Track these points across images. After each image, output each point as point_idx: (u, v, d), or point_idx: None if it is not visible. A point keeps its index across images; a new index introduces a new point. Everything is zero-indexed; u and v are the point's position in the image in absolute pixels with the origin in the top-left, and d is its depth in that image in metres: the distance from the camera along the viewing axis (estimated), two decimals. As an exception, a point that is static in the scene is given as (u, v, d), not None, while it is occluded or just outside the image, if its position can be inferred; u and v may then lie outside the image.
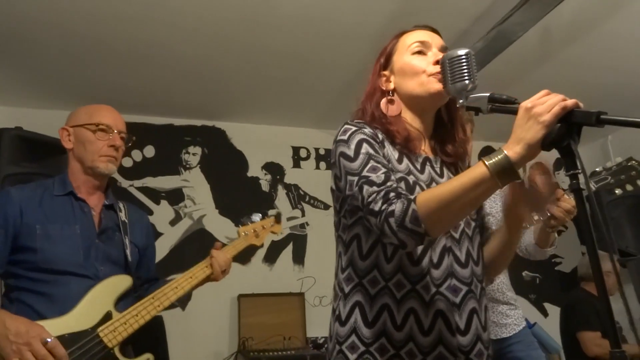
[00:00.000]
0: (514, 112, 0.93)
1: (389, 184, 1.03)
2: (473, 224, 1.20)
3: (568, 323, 3.17)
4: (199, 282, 1.71)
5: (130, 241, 1.68)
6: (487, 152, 4.33)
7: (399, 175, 1.12)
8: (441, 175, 1.22)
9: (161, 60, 2.99)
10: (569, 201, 1.68)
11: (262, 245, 2.04)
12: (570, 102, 0.88)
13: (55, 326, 1.43)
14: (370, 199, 1.02)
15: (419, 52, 1.20)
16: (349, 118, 1.22)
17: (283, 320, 3.42)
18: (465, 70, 1.01)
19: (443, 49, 1.20)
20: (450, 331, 1.08)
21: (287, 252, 3.78)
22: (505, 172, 0.91)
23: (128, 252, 1.64)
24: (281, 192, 3.91)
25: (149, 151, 3.69)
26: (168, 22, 2.64)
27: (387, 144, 1.16)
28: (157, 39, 2.78)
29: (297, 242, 3.81)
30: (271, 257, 3.73)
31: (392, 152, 1.16)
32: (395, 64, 1.24)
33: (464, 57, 1.02)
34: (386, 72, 1.25)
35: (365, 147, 1.10)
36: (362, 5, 2.55)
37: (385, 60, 1.26)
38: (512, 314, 2.02)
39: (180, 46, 2.86)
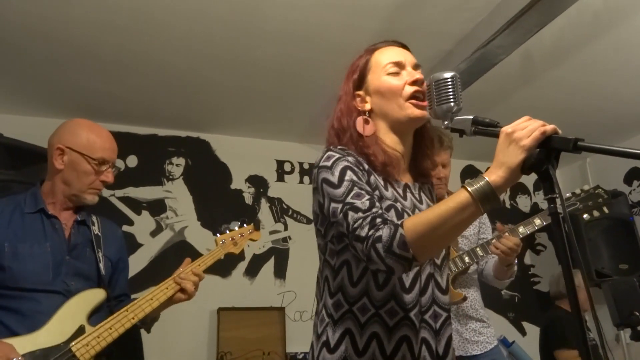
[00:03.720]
0: (496, 135, 0.96)
1: (374, 210, 1.04)
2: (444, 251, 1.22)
3: (546, 341, 3.20)
4: (171, 299, 1.68)
5: (104, 255, 1.67)
6: (468, 171, 4.41)
7: (388, 202, 1.13)
8: (420, 202, 1.24)
9: (147, 70, 2.98)
10: (510, 239, 1.79)
11: (241, 253, 2.03)
12: (549, 127, 0.91)
13: (27, 342, 1.41)
14: (356, 225, 1.02)
15: (395, 73, 1.20)
16: (325, 139, 1.22)
17: (263, 335, 3.39)
18: (451, 93, 1.03)
19: (416, 67, 1.22)
20: (432, 358, 1.11)
21: (269, 266, 3.76)
22: (487, 198, 0.93)
23: (101, 265, 1.64)
24: (264, 205, 3.90)
25: (132, 161, 3.66)
26: (155, 33, 2.64)
27: (372, 172, 1.16)
28: (144, 48, 2.77)
29: (279, 256, 3.79)
30: (252, 270, 3.70)
31: (378, 180, 1.16)
32: (371, 85, 1.23)
33: (450, 79, 1.04)
34: (361, 92, 1.24)
35: (349, 174, 1.10)
36: (348, 23, 2.59)
37: (359, 79, 1.25)
38: (485, 332, 2.04)
39: (166, 57, 2.86)
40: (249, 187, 3.90)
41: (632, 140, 4.10)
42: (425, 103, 1.13)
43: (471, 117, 1.01)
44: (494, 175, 0.93)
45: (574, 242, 0.84)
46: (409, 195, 1.21)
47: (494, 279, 2.03)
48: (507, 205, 4.45)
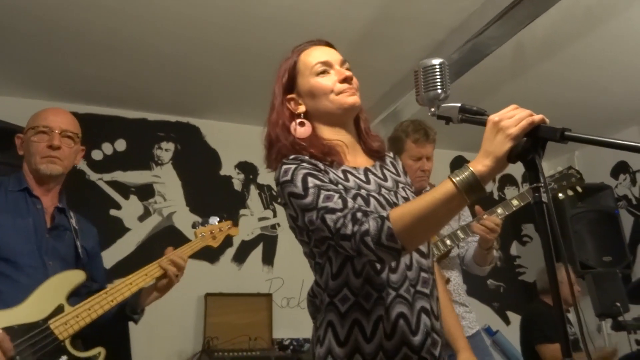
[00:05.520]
0: (483, 123, 0.96)
1: (350, 206, 1.05)
2: None
3: (527, 336, 3.22)
4: (156, 288, 1.70)
5: (81, 245, 1.70)
6: (458, 162, 4.43)
7: (353, 192, 1.13)
8: (385, 179, 1.24)
9: (138, 54, 2.94)
10: (489, 219, 1.82)
11: (225, 242, 2.05)
12: (537, 117, 0.91)
13: (5, 317, 1.41)
14: (338, 226, 1.03)
15: (323, 72, 1.23)
16: (261, 146, 1.26)
17: (249, 321, 3.40)
18: (439, 80, 1.03)
19: (342, 63, 1.26)
20: (411, 331, 1.11)
21: (257, 253, 3.76)
22: (472, 188, 0.94)
23: (80, 251, 1.67)
24: (253, 192, 3.89)
25: (120, 145, 3.62)
26: (147, 17, 2.60)
27: (329, 169, 1.17)
28: (135, 32, 2.73)
29: (267, 243, 3.80)
30: (240, 257, 3.70)
31: (337, 174, 1.17)
32: (302, 87, 1.26)
33: (437, 66, 1.04)
34: (293, 95, 1.26)
35: (311, 181, 1.10)
36: (341, 11, 2.57)
37: (289, 83, 1.27)
38: (467, 317, 2.06)
39: (158, 41, 2.82)
40: (238, 173, 3.89)
41: (620, 134, 4.14)
42: (355, 91, 1.20)
43: (458, 104, 1.01)
44: (479, 164, 0.94)
45: (557, 229, 0.84)
46: (372, 177, 1.22)
47: (474, 265, 2.05)
48: (496, 196, 4.48)
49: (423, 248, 1.19)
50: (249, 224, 3.80)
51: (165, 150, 3.74)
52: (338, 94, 1.21)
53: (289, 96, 1.26)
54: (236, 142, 3.87)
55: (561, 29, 2.78)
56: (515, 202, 1.95)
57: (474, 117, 0.99)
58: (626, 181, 4.12)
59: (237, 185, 3.87)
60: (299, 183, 1.10)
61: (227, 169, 3.87)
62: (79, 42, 2.80)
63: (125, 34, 2.74)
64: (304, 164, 1.14)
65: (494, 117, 0.94)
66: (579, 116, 3.67)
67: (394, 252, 0.99)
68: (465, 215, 2.17)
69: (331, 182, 1.13)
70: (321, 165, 1.16)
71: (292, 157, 1.17)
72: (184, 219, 3.62)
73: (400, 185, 1.26)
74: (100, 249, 1.88)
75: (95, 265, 1.80)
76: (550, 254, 0.84)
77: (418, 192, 1.88)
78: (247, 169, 3.91)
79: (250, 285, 3.58)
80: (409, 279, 1.13)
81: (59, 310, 1.51)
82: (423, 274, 1.16)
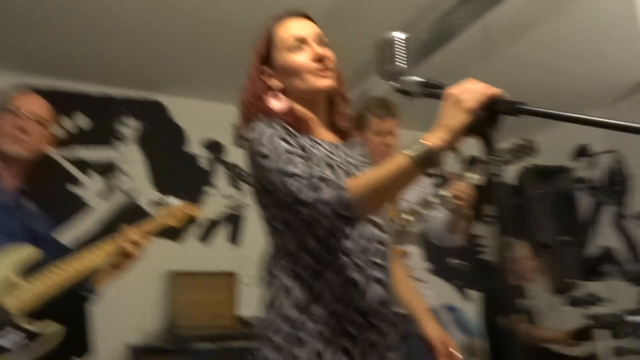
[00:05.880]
0: (441, 97, 0.96)
1: (311, 172, 1.05)
2: None
3: (487, 309, 3.33)
4: (115, 266, 1.68)
5: (36, 228, 1.67)
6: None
7: (318, 159, 1.14)
8: (350, 157, 1.26)
9: (100, 24, 2.83)
10: (460, 185, 1.84)
11: (185, 226, 2.03)
12: (494, 90, 0.92)
13: None
14: (297, 191, 1.05)
15: (297, 48, 1.22)
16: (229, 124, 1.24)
17: (214, 299, 3.39)
18: (400, 53, 1.02)
19: (318, 39, 1.24)
20: (382, 290, 1.14)
21: (224, 231, 3.74)
22: (427, 161, 0.95)
23: (35, 232, 1.64)
24: (220, 170, 3.84)
25: (81, 120, 3.50)
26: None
27: (299, 136, 1.17)
28: (97, 0, 2.62)
29: (234, 222, 3.77)
30: (206, 235, 3.67)
31: (306, 141, 1.17)
32: (277, 62, 1.24)
33: (399, 40, 1.03)
34: (268, 69, 1.25)
35: (278, 142, 1.11)
36: (310, -15, 2.52)
37: (265, 54, 1.26)
38: (427, 294, 2.07)
39: (122, 10, 2.71)
40: (205, 151, 3.83)
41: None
42: (328, 72, 1.19)
43: (418, 78, 1.01)
44: (434, 137, 0.94)
45: (509, 201, 0.86)
46: (338, 152, 1.23)
47: (445, 235, 2.03)
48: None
49: (381, 221, 1.21)
50: (216, 202, 3.76)
51: (129, 127, 3.64)
52: (310, 73, 1.19)
53: (264, 68, 1.25)
54: (203, 119, 3.80)
55: (527, 12, 2.81)
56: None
57: (433, 90, 0.99)
58: (585, 164, 4.25)
59: (204, 163, 3.81)
60: (266, 143, 1.11)
61: (193, 146, 3.80)
62: (35, 11, 2.67)
63: (86, 1, 2.63)
64: (275, 126, 1.15)
65: (451, 90, 0.94)
66: (544, 99, 3.72)
67: (349, 221, 1.03)
68: (426, 186, 2.14)
69: (300, 147, 1.13)
70: (292, 130, 1.16)
71: (265, 118, 1.18)
72: (148, 197, 3.54)
73: (364, 165, 1.28)
74: (55, 236, 1.84)
75: (49, 247, 1.75)
76: (501, 224, 0.85)
77: None
78: (214, 147, 3.86)
79: (216, 264, 3.56)
80: (364, 248, 1.15)
81: (11, 283, 1.48)
82: (378, 246, 1.18)
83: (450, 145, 0.94)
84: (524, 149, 1.87)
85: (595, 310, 2.51)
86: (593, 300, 2.52)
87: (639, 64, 3.42)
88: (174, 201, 1.94)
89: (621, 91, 3.87)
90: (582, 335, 2.70)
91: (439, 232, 2.06)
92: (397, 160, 0.98)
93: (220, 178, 3.83)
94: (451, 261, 4.28)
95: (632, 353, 2.81)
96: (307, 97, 1.24)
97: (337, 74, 1.25)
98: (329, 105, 1.29)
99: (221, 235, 3.73)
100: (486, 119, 0.90)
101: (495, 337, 3.26)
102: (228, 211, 3.75)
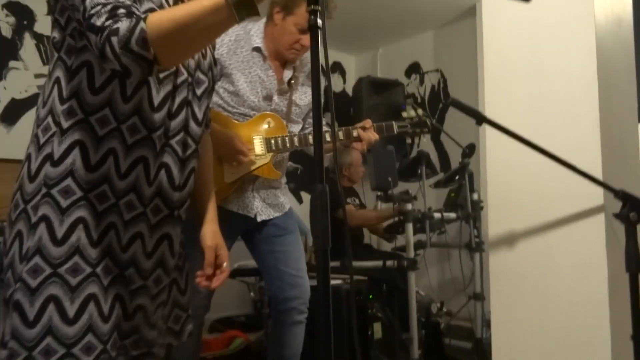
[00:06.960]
0: None
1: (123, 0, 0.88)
2: (210, 85, 1.17)
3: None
4: None
5: None
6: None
7: (149, 5, 0.95)
8: None
9: None
10: (371, 133, 1.83)
11: None
12: None
13: None
14: (92, 12, 0.86)
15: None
16: None
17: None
18: None
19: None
20: (172, 185, 1.07)
21: (31, 114, 3.22)
22: (242, 4, 0.84)
23: None
24: (29, 42, 3.23)
25: None
26: None
27: None
28: None
29: (47, 105, 3.28)
30: (10, 117, 3.14)
31: None
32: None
33: None
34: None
35: None
36: None
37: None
38: (283, 196, 2.08)
39: None
40: (7, 15, 3.16)
41: (416, 38, 4.52)
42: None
43: None
44: None
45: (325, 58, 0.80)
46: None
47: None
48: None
49: (199, 115, 1.12)
50: (22, 79, 3.20)
51: None
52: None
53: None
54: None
55: None
56: (413, 113, 1.93)
57: None
58: (416, 80, 4.58)
59: (5, 30, 3.16)
60: None
61: (-9, 7, 3.12)
62: None
63: None
64: None
65: None
66: (381, 19, 3.85)
67: (144, 62, 0.85)
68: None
69: None
70: None
71: None
72: None
73: None
74: None
75: None
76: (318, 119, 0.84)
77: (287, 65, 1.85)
78: (20, 11, 3.20)
79: (22, 151, 3.09)
80: (167, 128, 1.05)
81: None
82: (185, 137, 1.08)
83: None
84: (421, 125, 1.89)
85: (407, 206, 2.78)
86: (407, 198, 2.77)
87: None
88: None
89: (452, 15, 4.16)
90: (394, 228, 3.00)
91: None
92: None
93: (29, 51, 3.24)
94: (289, 165, 4.37)
95: (435, 246, 3.25)
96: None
97: None
98: None
99: (29, 119, 3.22)
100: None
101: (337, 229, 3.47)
102: (38, 91, 3.24)
